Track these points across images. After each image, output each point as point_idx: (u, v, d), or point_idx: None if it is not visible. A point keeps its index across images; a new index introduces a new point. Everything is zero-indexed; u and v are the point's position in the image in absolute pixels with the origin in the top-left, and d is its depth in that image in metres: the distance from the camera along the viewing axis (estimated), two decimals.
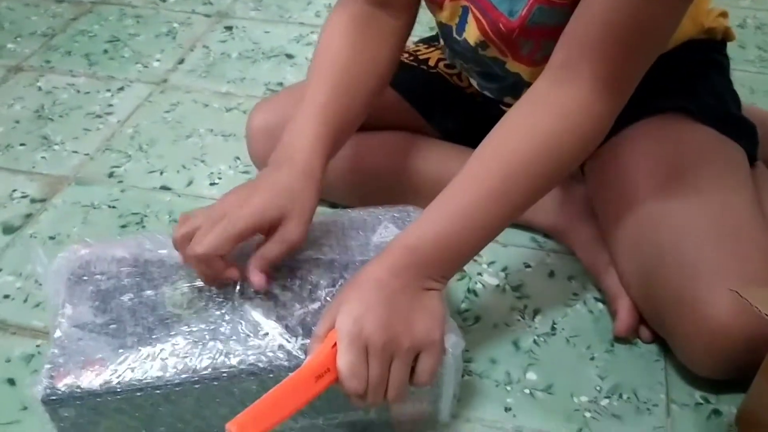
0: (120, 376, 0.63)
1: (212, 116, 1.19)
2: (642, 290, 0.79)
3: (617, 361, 0.81)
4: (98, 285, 0.70)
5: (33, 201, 1.02)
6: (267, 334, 0.66)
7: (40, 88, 1.26)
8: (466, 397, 0.76)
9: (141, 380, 0.63)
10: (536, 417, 0.75)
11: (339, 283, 0.70)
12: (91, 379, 0.62)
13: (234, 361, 0.64)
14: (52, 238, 0.96)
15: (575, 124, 0.66)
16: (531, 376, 0.79)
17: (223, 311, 0.67)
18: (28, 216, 1.00)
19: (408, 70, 1.01)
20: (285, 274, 0.71)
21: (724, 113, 0.84)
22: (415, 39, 1.09)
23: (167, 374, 0.63)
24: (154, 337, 0.65)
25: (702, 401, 0.76)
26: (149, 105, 1.22)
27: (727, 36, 0.89)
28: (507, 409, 0.76)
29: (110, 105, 1.22)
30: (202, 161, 1.10)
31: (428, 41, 1.05)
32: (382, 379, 0.61)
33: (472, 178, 0.67)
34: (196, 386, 0.63)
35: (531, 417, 0.75)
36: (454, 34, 0.83)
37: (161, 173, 1.07)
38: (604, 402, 0.76)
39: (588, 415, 0.75)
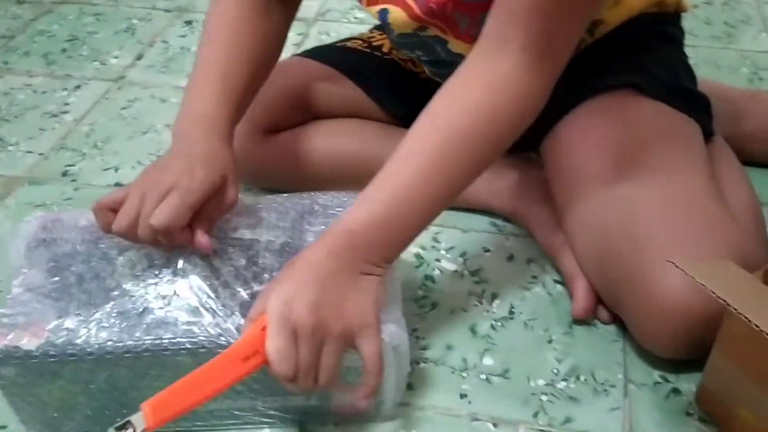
0: (56, 339, 0.63)
1: (170, 111, 1.17)
2: (597, 271, 0.77)
3: (575, 343, 0.79)
4: (55, 250, 0.71)
5: None
6: (206, 310, 0.65)
7: None
8: (420, 385, 0.75)
9: (75, 345, 0.63)
10: (492, 403, 0.73)
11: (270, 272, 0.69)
12: (29, 341, 0.63)
13: (167, 334, 0.63)
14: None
15: (509, 94, 0.65)
16: (487, 361, 0.78)
17: (165, 284, 0.67)
18: None
19: (362, 57, 0.99)
20: (235, 254, 0.70)
21: (676, 87, 0.83)
22: (369, 26, 1.08)
23: (100, 341, 0.63)
24: (94, 303, 0.66)
25: (661, 380, 0.75)
26: (106, 102, 1.20)
27: (679, 7, 0.87)
28: (462, 396, 0.74)
29: (66, 104, 1.20)
30: (158, 156, 1.07)
31: (381, 28, 1.03)
32: (311, 363, 0.60)
33: (407, 156, 0.66)
34: (127, 355, 0.63)
35: (486, 403, 0.73)
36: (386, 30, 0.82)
37: (116, 170, 1.05)
38: (561, 385, 0.75)
39: (544, 398, 0.74)
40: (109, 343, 0.63)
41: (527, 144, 0.87)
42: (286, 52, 0.88)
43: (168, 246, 0.67)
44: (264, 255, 0.70)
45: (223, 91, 0.74)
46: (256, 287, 0.67)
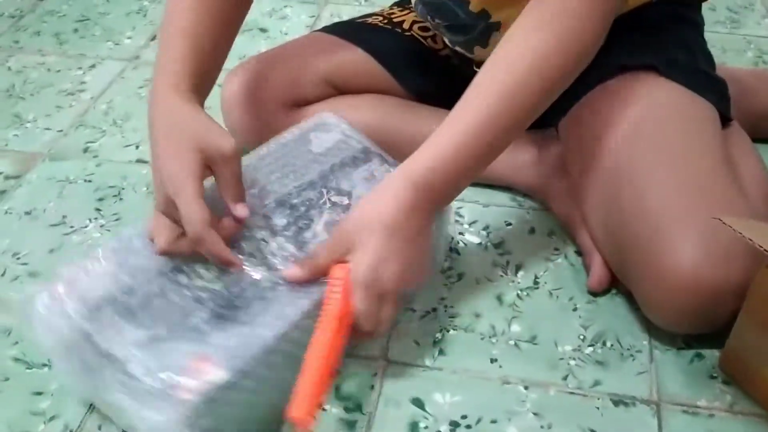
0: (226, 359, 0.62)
1: None
2: (609, 246, 0.79)
3: (599, 310, 0.81)
4: (122, 304, 0.65)
5: (7, 178, 1.01)
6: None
7: (9, 68, 1.24)
8: (451, 350, 0.77)
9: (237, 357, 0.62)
10: (521, 366, 0.75)
11: (326, 197, 0.75)
12: (212, 374, 0.60)
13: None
14: (27, 213, 0.95)
15: (576, 20, 0.70)
16: (515, 328, 0.80)
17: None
18: (3, 192, 0.98)
19: (382, 32, 1.00)
20: (289, 222, 0.73)
21: (694, 70, 0.84)
22: (378, 8, 1.09)
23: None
24: (199, 330, 0.64)
25: (684, 346, 0.77)
26: (122, 81, 1.20)
27: None
28: (493, 360, 0.76)
29: (82, 82, 1.20)
30: None
31: (402, 4, 1.04)
32: (390, 318, 0.69)
33: (476, 98, 0.71)
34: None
35: (516, 366, 0.75)
36: None
37: (137, 147, 1.06)
38: (588, 350, 0.77)
39: (572, 362, 0.76)
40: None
41: (547, 120, 0.89)
42: (299, 33, 0.88)
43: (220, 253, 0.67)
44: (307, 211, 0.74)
45: (190, 48, 0.76)
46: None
